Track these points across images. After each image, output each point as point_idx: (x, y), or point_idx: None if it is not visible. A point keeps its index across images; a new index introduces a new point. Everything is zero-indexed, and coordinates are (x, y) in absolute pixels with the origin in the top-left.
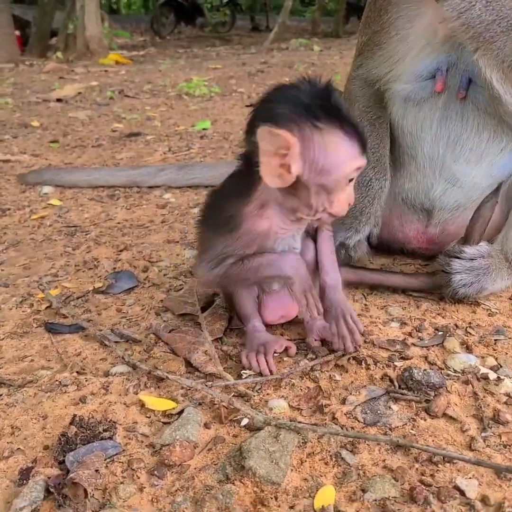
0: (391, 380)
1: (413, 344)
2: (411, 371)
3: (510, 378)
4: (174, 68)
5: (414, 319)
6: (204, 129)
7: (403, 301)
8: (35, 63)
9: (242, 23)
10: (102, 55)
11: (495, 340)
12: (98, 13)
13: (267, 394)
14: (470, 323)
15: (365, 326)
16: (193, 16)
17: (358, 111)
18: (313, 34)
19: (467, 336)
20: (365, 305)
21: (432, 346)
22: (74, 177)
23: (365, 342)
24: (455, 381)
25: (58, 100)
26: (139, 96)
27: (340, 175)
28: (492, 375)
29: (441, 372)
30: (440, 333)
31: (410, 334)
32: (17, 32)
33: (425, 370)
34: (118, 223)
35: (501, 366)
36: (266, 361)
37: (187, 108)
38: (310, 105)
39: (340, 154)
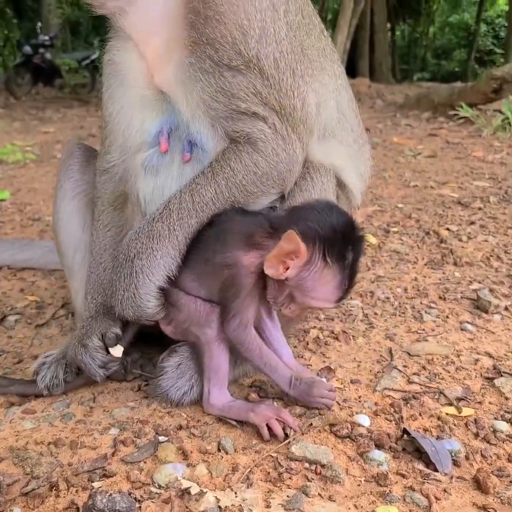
0: (78, 509)
1: (122, 459)
2: (94, 498)
3: (212, 490)
4: (1, 131)
5: (137, 421)
6: (1, 200)
7: (136, 399)
8: None
9: None
10: None
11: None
12: None
13: None
14: (198, 420)
15: (77, 436)
16: (52, 77)
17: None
18: None
19: (190, 438)
20: (91, 408)
21: (142, 460)
22: None
23: (68, 465)
24: (154, 500)
25: None
26: None
27: (310, 303)
28: (195, 489)
29: (143, 490)
30: (159, 437)
31: (124, 443)
32: None
33: (110, 495)
34: None
35: (212, 475)
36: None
37: None
38: (335, 238)
39: (322, 291)
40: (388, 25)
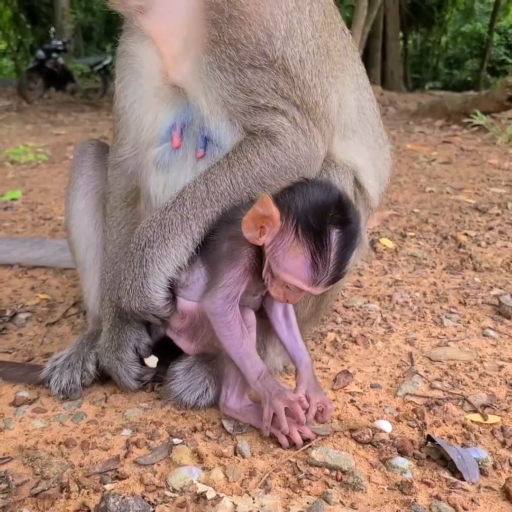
0: None
1: (135, 461)
2: (107, 501)
3: (229, 495)
4: (13, 133)
5: (151, 423)
6: (13, 199)
7: (149, 400)
8: None
9: None
10: None
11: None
12: None
13: None
14: (214, 423)
15: (89, 437)
16: (64, 82)
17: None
18: None
19: (205, 441)
20: (103, 408)
21: (156, 462)
22: None
23: (80, 466)
24: (168, 505)
25: None
26: None
27: (283, 276)
28: (211, 494)
29: (157, 494)
30: (173, 439)
31: (137, 444)
32: None
33: (124, 498)
34: None
35: (228, 480)
36: None
37: (5, 177)
38: (313, 212)
39: (293, 265)
40: (401, 34)
